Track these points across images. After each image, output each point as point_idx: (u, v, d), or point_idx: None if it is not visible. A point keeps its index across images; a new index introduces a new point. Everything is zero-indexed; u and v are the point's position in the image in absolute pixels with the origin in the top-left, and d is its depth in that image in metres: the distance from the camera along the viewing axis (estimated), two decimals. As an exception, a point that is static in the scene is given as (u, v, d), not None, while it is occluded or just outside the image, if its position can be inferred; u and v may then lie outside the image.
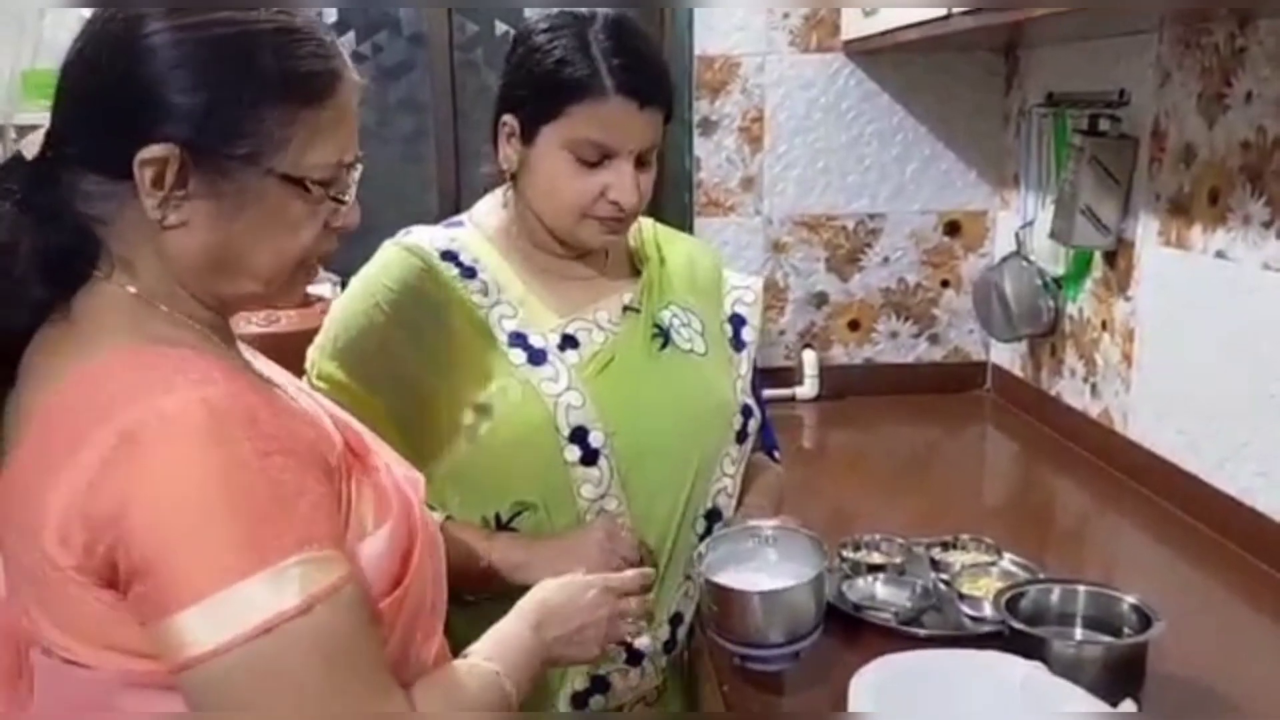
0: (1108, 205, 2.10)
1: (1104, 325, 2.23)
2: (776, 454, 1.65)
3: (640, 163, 1.32)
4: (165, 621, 0.79)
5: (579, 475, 1.33)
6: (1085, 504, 2.18)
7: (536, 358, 1.33)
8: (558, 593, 1.13)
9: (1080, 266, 2.30)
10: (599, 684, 1.40)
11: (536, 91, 1.30)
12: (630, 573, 1.21)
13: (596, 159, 1.29)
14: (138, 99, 0.85)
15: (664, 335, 1.42)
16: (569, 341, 1.37)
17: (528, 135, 1.31)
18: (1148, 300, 2.08)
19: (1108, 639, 1.37)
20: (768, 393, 2.61)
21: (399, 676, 0.91)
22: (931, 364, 2.80)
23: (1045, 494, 2.29)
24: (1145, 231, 2.06)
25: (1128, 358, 2.15)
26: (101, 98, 0.86)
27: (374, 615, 0.89)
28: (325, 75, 0.90)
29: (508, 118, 1.33)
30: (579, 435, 1.32)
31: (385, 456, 1.01)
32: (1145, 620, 1.35)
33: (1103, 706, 1.16)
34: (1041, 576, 1.51)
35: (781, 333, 2.74)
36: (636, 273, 1.47)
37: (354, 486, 0.92)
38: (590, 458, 1.33)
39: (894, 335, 2.78)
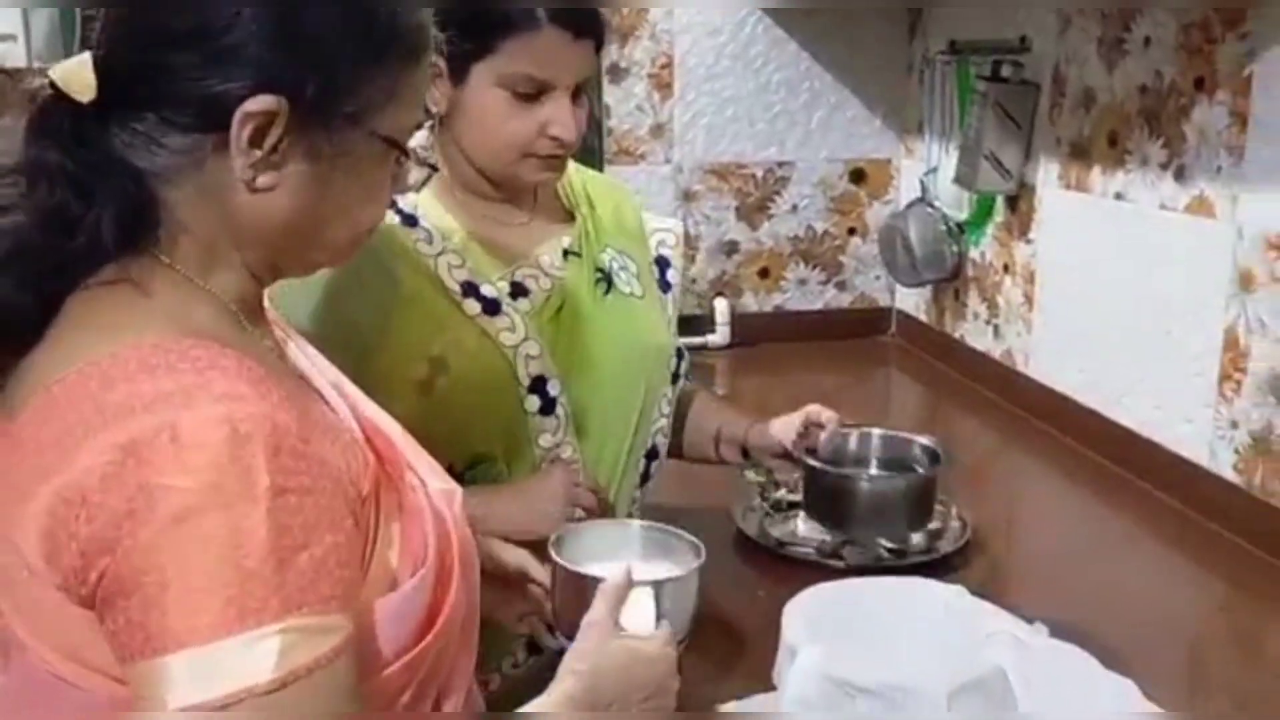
0: (1010, 150, 2.16)
1: (1006, 268, 2.29)
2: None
3: (575, 96, 1.30)
4: (138, 665, 0.69)
5: (537, 425, 1.32)
6: (990, 442, 2.26)
7: (490, 307, 1.31)
8: (613, 668, 0.93)
9: (983, 211, 2.36)
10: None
11: (464, 29, 1.27)
12: (668, 631, 1.03)
13: (534, 93, 1.26)
14: (251, 44, 0.75)
15: (606, 279, 1.41)
16: (518, 289, 1.34)
17: (457, 75, 1.28)
18: (1048, 243, 2.14)
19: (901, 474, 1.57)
20: (681, 340, 2.65)
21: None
22: (839, 310, 2.85)
23: (950, 434, 2.33)
24: (1046, 175, 2.12)
25: (1029, 299, 2.22)
26: (202, 38, 0.75)
27: (371, 683, 0.77)
28: (423, 31, 0.83)
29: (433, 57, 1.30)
30: (538, 385, 1.31)
31: (420, 466, 0.87)
32: (934, 458, 1.56)
33: (1020, 621, 1.21)
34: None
35: (693, 281, 2.76)
36: (566, 215, 1.46)
37: (382, 520, 0.79)
38: (548, 407, 1.32)
39: (803, 283, 2.82)
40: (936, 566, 1.57)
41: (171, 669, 0.68)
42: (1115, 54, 1.88)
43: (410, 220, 1.33)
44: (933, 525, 1.63)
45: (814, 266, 2.81)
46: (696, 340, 2.73)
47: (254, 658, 0.68)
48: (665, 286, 1.53)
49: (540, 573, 1.13)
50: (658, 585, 1.02)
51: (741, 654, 1.33)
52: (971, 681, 1.08)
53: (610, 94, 2.62)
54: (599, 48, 1.31)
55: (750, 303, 2.80)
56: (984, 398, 2.37)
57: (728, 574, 1.50)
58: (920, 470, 1.57)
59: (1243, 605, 1.54)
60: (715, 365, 2.72)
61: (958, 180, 2.28)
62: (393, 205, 1.32)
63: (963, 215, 2.44)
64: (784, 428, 1.52)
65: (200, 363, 0.72)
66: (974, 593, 1.42)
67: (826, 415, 1.52)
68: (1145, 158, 1.82)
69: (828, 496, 1.46)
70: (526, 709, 0.87)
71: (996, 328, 2.35)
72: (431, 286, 1.30)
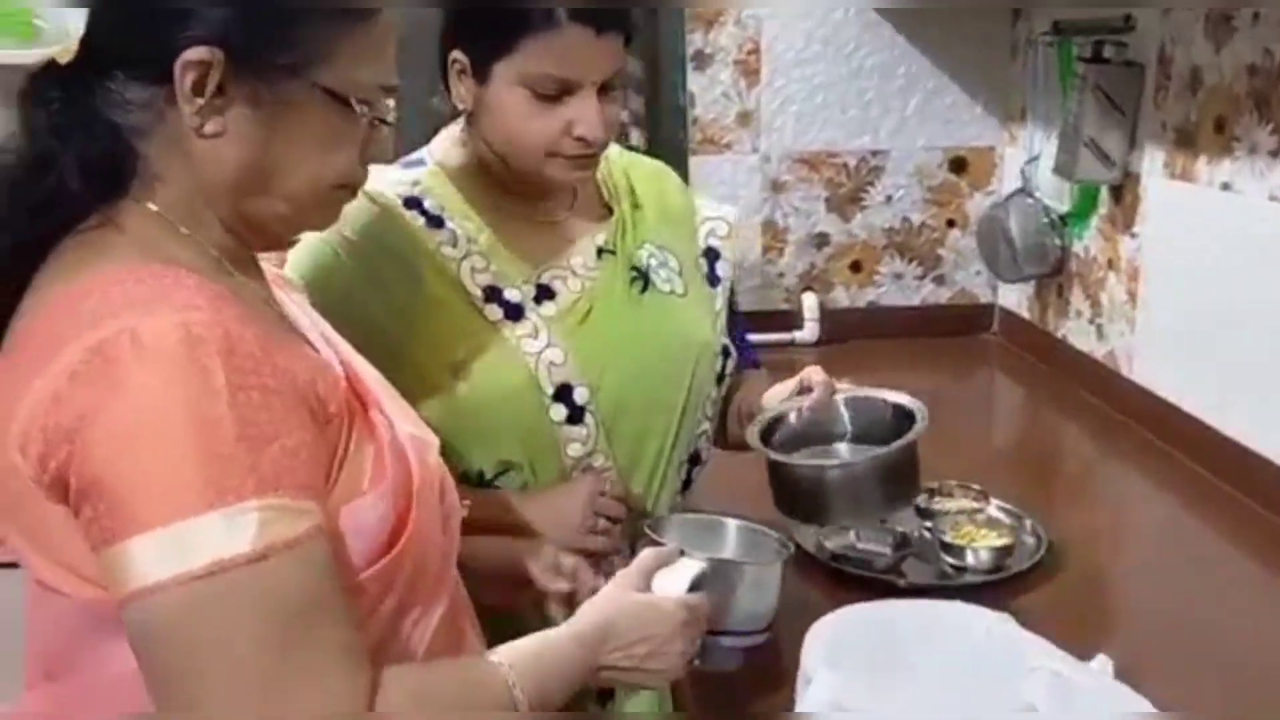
0: (1112, 137, 2.01)
1: (1110, 263, 2.14)
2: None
3: (604, 92, 1.24)
4: (112, 549, 0.75)
5: (565, 434, 1.27)
6: (1089, 450, 2.11)
7: (513, 313, 1.26)
8: (623, 613, 1.00)
9: (1086, 203, 2.21)
10: None
11: (484, 25, 1.23)
12: (701, 597, 1.07)
13: (556, 93, 1.21)
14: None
15: (643, 278, 1.35)
16: (545, 293, 1.30)
17: (480, 73, 1.23)
18: (1153, 236, 1.99)
19: (875, 450, 1.27)
20: (764, 337, 2.56)
21: (384, 654, 0.85)
22: (937, 306, 2.72)
23: (1049, 441, 2.21)
24: (1151, 164, 1.97)
25: (1133, 297, 2.06)
26: None
27: (347, 582, 0.82)
28: None
29: (457, 54, 1.25)
30: (563, 393, 1.26)
31: (395, 412, 0.94)
32: (910, 419, 1.30)
33: (1069, 657, 1.11)
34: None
35: (780, 275, 2.66)
36: (606, 210, 1.40)
37: (354, 439, 0.86)
38: (576, 415, 1.27)
39: (898, 277, 2.70)
40: (1004, 586, 1.46)
41: (133, 551, 0.73)
42: (1223, 31, 1.72)
43: (436, 222, 1.29)
44: (1002, 541, 1.52)
45: (910, 260, 2.69)
46: (783, 336, 2.64)
47: (234, 530, 0.74)
48: (714, 280, 1.45)
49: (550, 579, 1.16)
50: (709, 565, 1.07)
51: (777, 675, 1.26)
52: (1002, 722, 0.98)
53: (695, 81, 2.55)
54: (628, 41, 1.25)
55: (841, 298, 2.69)
56: (1085, 402, 2.22)
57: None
58: (892, 440, 1.28)
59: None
60: (802, 362, 2.62)
61: (1057, 170, 2.14)
62: (419, 207, 1.29)
63: (1065, 207, 2.29)
64: (776, 395, 1.38)
65: (165, 280, 0.79)
66: (1040, 617, 1.32)
67: (817, 379, 1.35)
68: (1254, 145, 1.66)
69: (787, 489, 1.27)
70: (537, 638, 0.95)
71: (1099, 327, 2.20)
72: (454, 291, 1.26)
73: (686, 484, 1.41)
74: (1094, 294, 2.22)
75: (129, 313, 0.77)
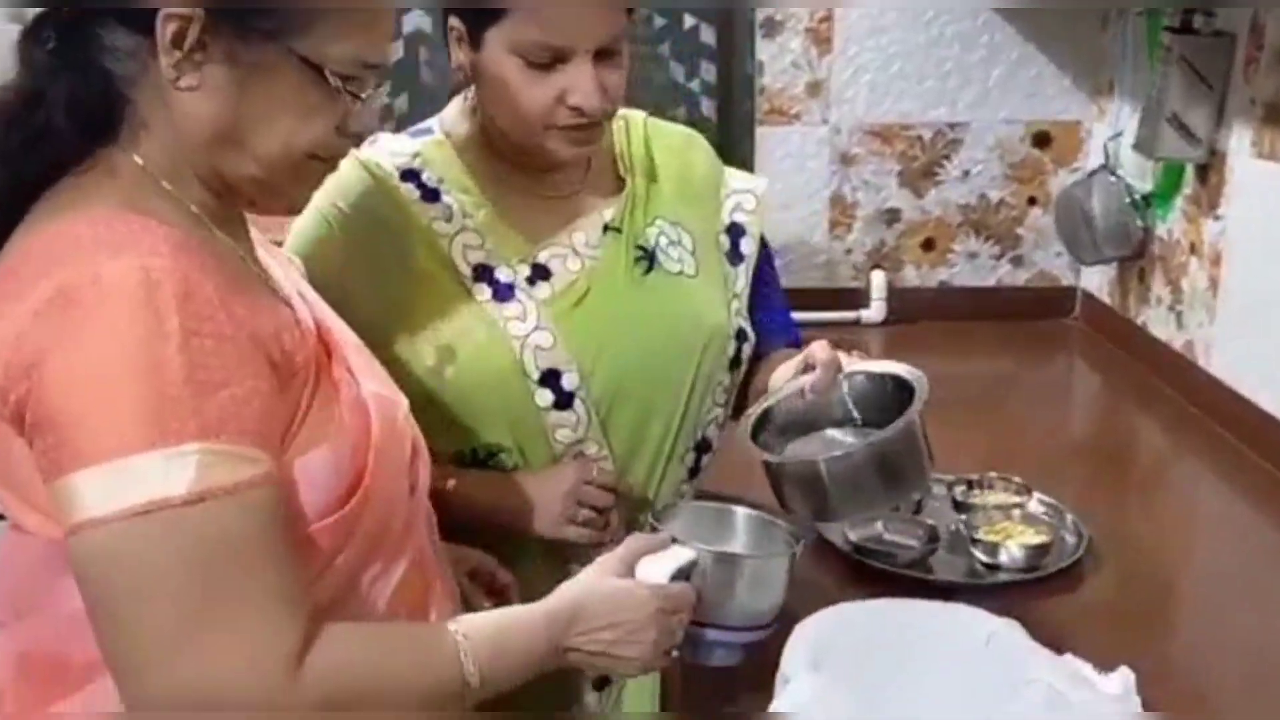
0: (1198, 113, 1.87)
1: (1192, 247, 2.01)
2: None
3: (603, 59, 1.18)
4: (59, 482, 0.78)
5: (552, 420, 1.23)
6: (1162, 445, 2.00)
7: (502, 293, 1.22)
8: (595, 596, 0.97)
9: (1170, 182, 2.07)
10: None
11: None
12: (681, 587, 1.02)
13: (549, 61, 1.16)
14: None
15: (649, 257, 1.29)
16: (540, 272, 1.25)
17: (475, 40, 1.19)
18: (1238, 219, 1.85)
19: (873, 434, 1.12)
20: (828, 316, 2.48)
21: (340, 611, 0.86)
22: (1014, 288, 2.59)
23: (1120, 433, 2.09)
24: (1239, 142, 1.83)
25: (1214, 283, 1.93)
26: None
27: (298, 534, 0.84)
28: None
29: (453, 20, 1.21)
30: (550, 378, 1.22)
31: (362, 370, 0.94)
32: (908, 393, 1.14)
33: (1078, 672, 1.03)
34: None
35: (848, 252, 2.57)
36: (619, 184, 1.34)
37: (318, 394, 0.88)
38: (564, 401, 1.22)
39: (973, 256, 2.58)
40: (1037, 587, 1.38)
41: (77, 484, 0.76)
42: (1317, -3, 1.58)
43: (432, 195, 1.25)
44: (1039, 539, 1.43)
45: (986, 239, 2.57)
46: (848, 315, 2.56)
47: (172, 470, 0.76)
48: (736, 258, 1.37)
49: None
50: (702, 556, 1.02)
51: (773, 674, 1.20)
52: (985, 739, 0.92)
53: (764, 50, 2.46)
54: (630, 6, 1.19)
55: (911, 276, 2.59)
56: (1161, 393, 2.09)
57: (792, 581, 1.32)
58: (890, 423, 1.12)
59: None
60: (868, 343, 2.53)
61: (1138, 146, 2.01)
62: (415, 180, 1.26)
63: (1148, 186, 2.15)
64: (782, 375, 1.23)
65: (134, 226, 0.82)
66: (1069, 622, 1.25)
67: (821, 357, 1.17)
68: (1346, 121, 1.52)
69: (781, 487, 1.15)
70: (506, 612, 0.96)
71: (1179, 315, 2.07)
72: (443, 269, 1.22)
73: (695, 471, 1.35)
74: (1175, 279, 2.08)
75: (96, 256, 0.79)
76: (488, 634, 0.91)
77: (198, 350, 0.78)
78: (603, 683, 1.31)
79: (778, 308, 1.45)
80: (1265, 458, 1.73)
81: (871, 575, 1.41)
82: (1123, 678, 1.11)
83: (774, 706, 0.98)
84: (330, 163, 0.93)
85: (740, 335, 1.34)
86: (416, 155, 1.26)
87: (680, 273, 1.30)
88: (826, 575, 1.44)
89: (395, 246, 1.22)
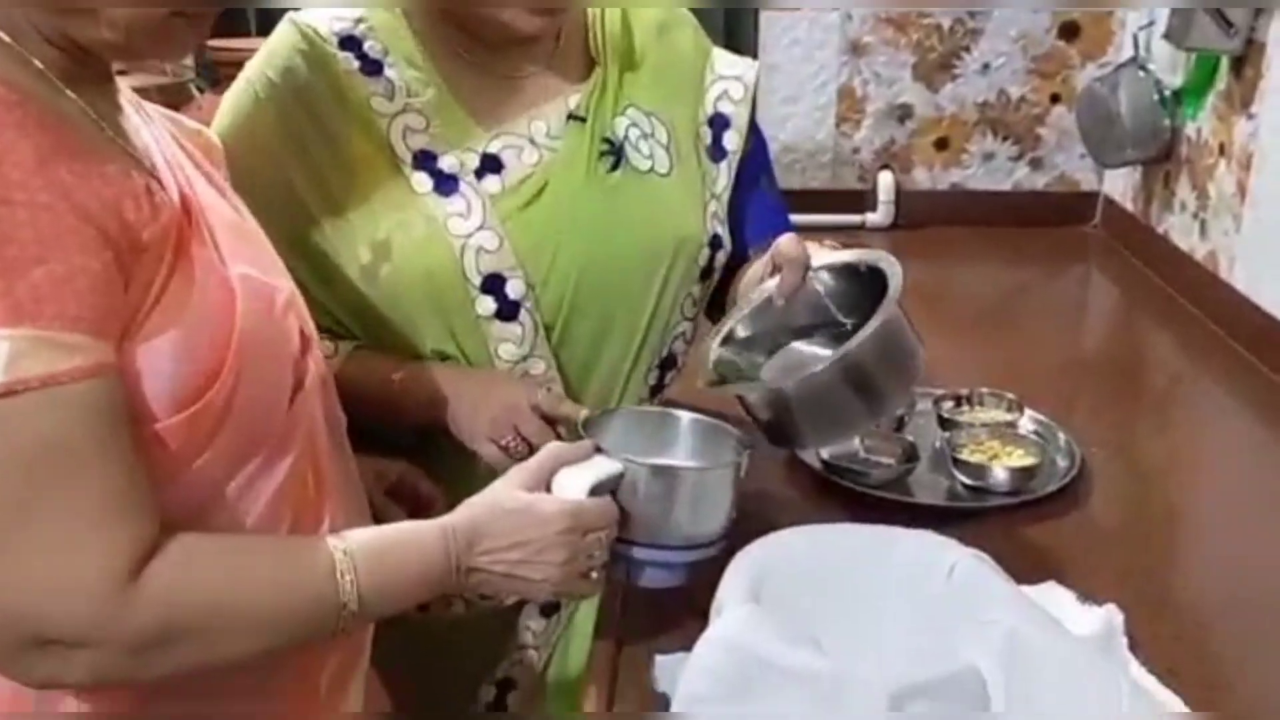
0: (1238, -2, 1.70)
1: (1221, 149, 1.84)
2: None
3: None
4: None
5: (495, 331, 1.11)
6: (1178, 363, 1.86)
7: (445, 186, 1.09)
8: (497, 512, 0.89)
9: (1204, 76, 1.90)
10: None
11: None
12: (597, 502, 0.92)
13: None
14: None
15: (615, 152, 1.15)
16: (490, 164, 1.11)
17: None
18: (1273, 118, 1.69)
19: (834, 354, 0.98)
20: (832, 218, 2.34)
21: (203, 520, 0.78)
22: (1032, 193, 2.44)
23: (1134, 352, 1.96)
24: (1279, 31, 1.66)
25: (1242, 190, 1.77)
26: None
27: (142, 431, 0.75)
28: None
29: None
30: (493, 285, 1.09)
31: (236, 249, 0.83)
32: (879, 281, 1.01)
33: (1067, 597, 0.93)
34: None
35: (855, 150, 2.42)
36: (593, 65, 1.20)
37: (175, 274, 0.78)
38: (508, 312, 1.10)
39: (989, 157, 2.42)
40: (1023, 511, 1.26)
41: None
42: None
43: (373, 68, 1.10)
44: (1026, 461, 1.31)
45: (1004, 139, 2.40)
46: (853, 219, 2.41)
47: None
48: (718, 154, 1.22)
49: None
50: (630, 468, 0.93)
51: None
52: (927, 683, 0.81)
53: (769, -73, 2.29)
54: None
55: (922, 178, 2.44)
56: (1181, 309, 1.94)
57: (755, 499, 1.13)
58: (860, 335, 0.98)
59: None
60: (873, 248, 2.39)
61: (1168, 35, 1.84)
62: (356, 49, 1.12)
63: (1178, 81, 1.98)
64: (750, 279, 1.12)
65: None
66: (1052, 551, 1.14)
67: (789, 253, 1.05)
68: (1399, 3, 1.35)
69: (753, 415, 1.04)
70: (402, 527, 0.87)
71: (1204, 223, 1.91)
72: (380, 153, 1.09)
73: (657, 389, 1.24)
74: (1201, 184, 1.92)
75: None
76: (373, 551, 0.82)
77: (6, 221, 0.68)
78: (551, 608, 1.22)
79: (769, 207, 1.30)
80: (1284, 377, 1.59)
81: (844, 495, 1.30)
82: (1107, 615, 1.01)
83: (701, 639, 0.88)
84: (199, 19, 0.81)
85: (715, 242, 1.20)
86: (360, 21, 1.12)
87: (651, 170, 1.16)
88: (793, 492, 1.33)
89: (326, 125, 1.09)
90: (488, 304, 1.10)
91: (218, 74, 2.09)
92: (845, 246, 1.14)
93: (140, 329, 0.74)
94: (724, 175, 1.22)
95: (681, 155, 1.19)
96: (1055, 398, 1.50)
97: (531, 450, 1.11)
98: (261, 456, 0.82)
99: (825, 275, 1.08)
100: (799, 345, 1.10)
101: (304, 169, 1.09)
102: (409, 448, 1.13)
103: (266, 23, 2.09)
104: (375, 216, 1.08)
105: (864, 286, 1.05)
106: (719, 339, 1.08)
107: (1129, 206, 2.27)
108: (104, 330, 0.71)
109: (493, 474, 0.98)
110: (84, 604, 0.70)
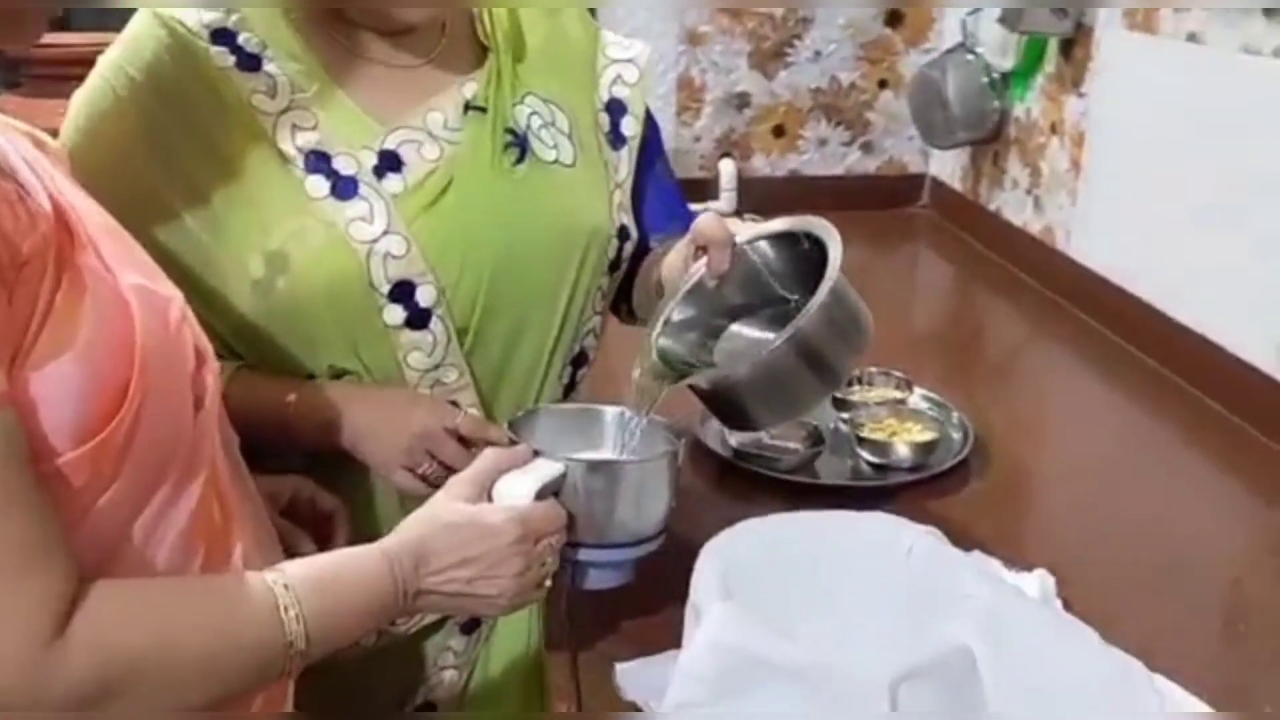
0: (1068, -17, 1.79)
1: (1053, 128, 1.94)
2: None
3: None
4: None
5: (404, 341, 1.03)
6: (1019, 333, 1.95)
7: (344, 188, 1.01)
8: (440, 529, 0.83)
9: (1032, 59, 2.00)
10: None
11: None
12: (545, 507, 0.88)
13: None
14: None
15: (520, 143, 1.09)
16: (389, 161, 1.03)
17: None
18: (1103, 96, 1.79)
19: (783, 333, 0.94)
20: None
21: (110, 564, 0.69)
22: (864, 176, 2.51)
23: (978, 322, 2.05)
24: (1109, 14, 1.75)
25: (1076, 165, 1.87)
26: None
27: (43, 467, 0.65)
28: None
29: None
30: (402, 292, 1.02)
31: (120, 260, 0.73)
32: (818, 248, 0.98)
33: (1005, 580, 0.94)
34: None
35: (697, 139, 2.43)
36: (483, 53, 1.13)
37: (61, 289, 0.68)
38: (418, 320, 1.03)
39: (823, 143, 2.48)
40: (926, 487, 1.29)
41: None
42: None
43: (251, 62, 1.01)
44: (926, 437, 1.34)
45: (837, 124, 2.47)
46: (696, 208, 2.41)
47: None
48: (618, 141, 1.16)
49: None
50: (571, 467, 0.89)
51: (668, 595, 1.06)
52: (926, 665, 0.81)
53: (603, -85, 2.26)
54: None
55: (761, 165, 2.47)
56: (1019, 281, 2.04)
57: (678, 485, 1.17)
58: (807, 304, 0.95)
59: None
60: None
61: (1003, 19, 1.92)
62: (229, 43, 1.01)
63: (1008, 64, 2.07)
64: (673, 265, 1.05)
65: None
66: (967, 522, 1.17)
67: (710, 233, 1.00)
68: (1229, -14, 1.45)
69: (707, 401, 1.02)
70: (339, 554, 0.81)
71: (1037, 199, 2.01)
72: (269, 157, 0.99)
73: (570, 388, 1.19)
74: (1033, 162, 2.02)
75: None
76: (315, 582, 0.74)
77: None
78: (472, 624, 1.15)
79: (667, 193, 1.27)
80: (1133, 342, 1.69)
81: (753, 481, 1.30)
82: (1040, 580, 1.04)
83: (686, 644, 0.85)
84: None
85: (623, 233, 1.15)
86: (232, 12, 1.03)
87: (556, 161, 1.11)
88: (704, 484, 1.32)
89: (204, 127, 0.99)
90: (396, 313, 1.02)
91: (17, 75, 1.89)
92: (743, 214, 1.13)
93: (29, 354, 0.65)
94: (625, 163, 1.17)
95: (584, 144, 1.14)
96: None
97: (450, 474, 1.05)
98: (169, 485, 0.73)
99: (764, 246, 1.04)
100: (740, 327, 1.06)
101: (174, 177, 0.99)
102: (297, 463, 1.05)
103: (83, 18, 1.92)
104: (266, 226, 0.99)
105: (799, 255, 1.02)
106: (658, 328, 1.04)
107: (957, 186, 2.37)
108: None
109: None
110: (10, 670, 0.61)
